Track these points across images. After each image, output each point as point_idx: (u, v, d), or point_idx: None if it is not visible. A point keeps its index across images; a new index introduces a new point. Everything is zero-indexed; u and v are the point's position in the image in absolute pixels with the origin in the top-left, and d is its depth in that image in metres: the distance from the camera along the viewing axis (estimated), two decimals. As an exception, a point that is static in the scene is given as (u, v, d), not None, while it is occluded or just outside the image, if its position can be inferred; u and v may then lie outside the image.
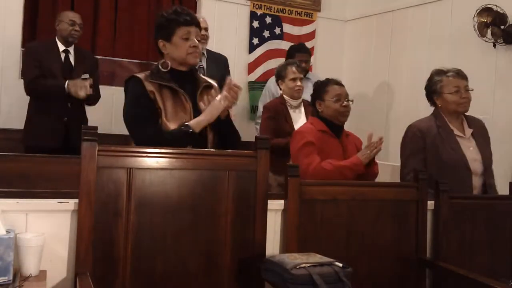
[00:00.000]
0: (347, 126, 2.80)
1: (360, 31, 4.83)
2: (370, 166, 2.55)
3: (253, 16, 4.65)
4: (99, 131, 1.74)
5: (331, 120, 2.62)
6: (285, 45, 4.66)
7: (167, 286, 1.80)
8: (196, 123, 2.05)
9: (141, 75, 2.10)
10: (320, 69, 4.67)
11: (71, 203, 1.72)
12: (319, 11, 4.90)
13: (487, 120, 3.47)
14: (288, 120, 3.37)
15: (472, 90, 2.64)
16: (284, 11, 4.77)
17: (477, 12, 3.42)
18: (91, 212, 1.69)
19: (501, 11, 3.36)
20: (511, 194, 2.50)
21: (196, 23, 2.13)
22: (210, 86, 2.24)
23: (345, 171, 2.44)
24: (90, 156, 1.70)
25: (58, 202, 1.72)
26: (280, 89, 3.52)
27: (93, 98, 3.42)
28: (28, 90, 3.30)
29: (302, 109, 3.48)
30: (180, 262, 1.82)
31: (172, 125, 2.05)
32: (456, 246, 2.30)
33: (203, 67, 3.56)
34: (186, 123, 2.04)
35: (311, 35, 4.86)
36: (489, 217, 2.37)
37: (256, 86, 4.55)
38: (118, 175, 1.76)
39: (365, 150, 2.51)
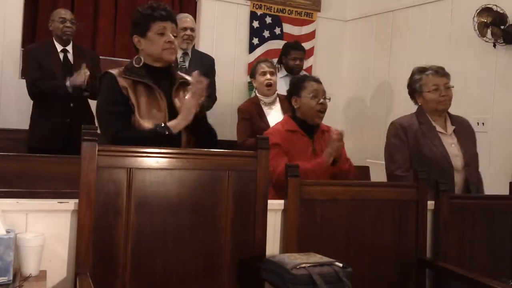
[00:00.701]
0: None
1: (360, 31, 4.83)
2: (336, 163, 2.48)
3: (253, 16, 4.64)
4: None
5: (305, 120, 2.58)
6: (285, 45, 4.67)
7: (167, 286, 1.80)
8: (174, 125, 1.98)
9: (114, 71, 2.06)
10: (320, 69, 4.67)
11: (71, 203, 1.72)
12: (319, 11, 4.90)
13: (487, 120, 3.49)
14: (263, 119, 3.36)
15: (453, 87, 2.64)
16: (284, 11, 4.77)
17: (477, 12, 3.42)
18: (91, 212, 1.69)
19: (501, 11, 3.36)
20: (511, 194, 2.51)
21: (172, 19, 2.09)
22: (186, 83, 2.20)
23: (309, 174, 2.34)
24: (90, 156, 1.70)
25: (58, 202, 1.71)
26: (254, 87, 3.53)
27: (94, 90, 3.29)
28: (32, 92, 3.29)
29: (278, 105, 3.45)
30: (180, 262, 1.82)
31: (145, 122, 2.00)
32: (456, 246, 2.29)
33: (185, 67, 3.51)
34: (165, 124, 1.98)
35: (311, 35, 4.86)
36: (489, 217, 2.37)
37: (256, 86, 4.55)
38: (118, 175, 1.76)
39: (328, 148, 2.44)
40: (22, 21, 3.92)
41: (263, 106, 3.43)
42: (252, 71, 3.54)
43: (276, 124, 2.77)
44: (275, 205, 2.02)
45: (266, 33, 4.69)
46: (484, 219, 2.36)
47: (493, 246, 2.37)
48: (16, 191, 1.78)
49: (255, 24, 4.65)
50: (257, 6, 4.65)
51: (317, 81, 2.65)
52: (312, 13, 4.88)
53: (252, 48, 4.64)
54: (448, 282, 2.22)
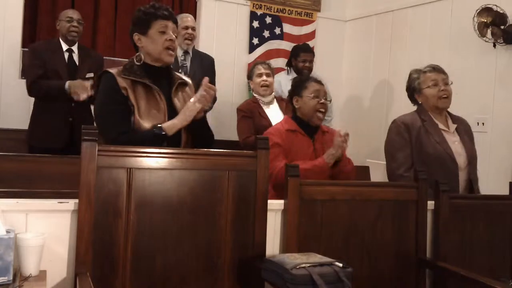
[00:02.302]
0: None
1: (360, 31, 4.83)
2: (337, 165, 2.50)
3: (253, 16, 4.65)
4: (99, 131, 1.74)
5: (305, 120, 2.60)
6: (285, 45, 4.67)
7: (167, 286, 1.80)
8: (170, 126, 2.00)
9: (113, 70, 2.05)
10: (320, 69, 4.66)
11: (71, 203, 1.72)
12: (319, 11, 4.91)
13: (487, 120, 3.49)
14: (264, 116, 3.42)
15: (451, 83, 2.65)
16: (284, 11, 4.77)
17: (477, 12, 3.42)
18: (91, 212, 1.69)
19: (501, 11, 3.36)
20: (511, 194, 2.51)
21: (173, 19, 2.11)
22: (185, 83, 2.21)
23: (307, 174, 2.30)
24: (90, 156, 1.70)
25: (58, 202, 1.71)
26: (251, 89, 3.61)
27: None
28: (31, 90, 3.30)
29: (276, 104, 3.53)
30: (180, 262, 1.82)
31: (145, 123, 2.00)
32: (456, 246, 2.29)
33: (186, 66, 3.55)
34: (160, 125, 1.99)
35: (311, 35, 4.87)
36: (489, 217, 2.37)
37: (256, 86, 4.55)
38: (118, 175, 1.76)
39: (331, 149, 2.46)
40: (22, 21, 3.93)
41: (262, 104, 3.49)
42: (249, 73, 3.62)
43: (276, 124, 2.78)
44: (275, 205, 2.02)
45: (266, 33, 4.70)
46: (484, 219, 2.36)
47: (493, 246, 2.37)
48: (16, 191, 1.78)
49: (255, 24, 4.65)
50: (257, 6, 4.66)
51: (319, 82, 2.68)
52: (312, 13, 4.88)
53: (252, 48, 4.64)
54: (448, 282, 2.22)
